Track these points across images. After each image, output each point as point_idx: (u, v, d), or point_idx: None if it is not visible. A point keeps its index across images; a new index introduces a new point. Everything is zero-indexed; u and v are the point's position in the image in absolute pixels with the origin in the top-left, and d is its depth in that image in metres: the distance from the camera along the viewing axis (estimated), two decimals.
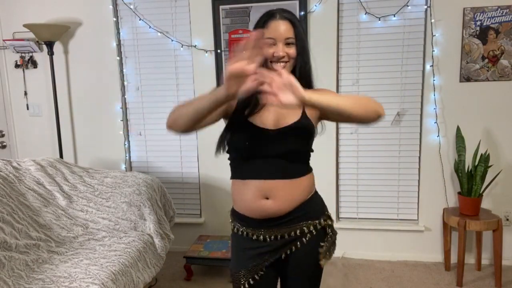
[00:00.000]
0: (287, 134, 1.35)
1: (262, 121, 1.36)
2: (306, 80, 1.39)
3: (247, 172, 1.39)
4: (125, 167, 3.38)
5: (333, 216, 3.16)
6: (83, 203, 2.46)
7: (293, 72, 1.35)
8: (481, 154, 2.73)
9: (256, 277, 1.43)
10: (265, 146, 1.35)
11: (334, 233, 1.49)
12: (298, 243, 1.41)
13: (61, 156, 3.30)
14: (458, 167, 2.79)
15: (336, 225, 3.13)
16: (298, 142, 1.38)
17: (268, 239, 1.40)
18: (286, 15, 1.35)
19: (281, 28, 1.32)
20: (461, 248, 2.69)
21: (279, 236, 1.40)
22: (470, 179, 2.74)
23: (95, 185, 2.57)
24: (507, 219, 2.96)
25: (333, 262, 3.09)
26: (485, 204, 2.94)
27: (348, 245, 3.18)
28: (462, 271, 2.71)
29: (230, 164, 1.47)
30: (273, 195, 1.36)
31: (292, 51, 1.34)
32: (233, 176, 1.45)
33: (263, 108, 1.36)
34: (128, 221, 2.41)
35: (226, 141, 1.41)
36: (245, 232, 1.44)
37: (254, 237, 1.41)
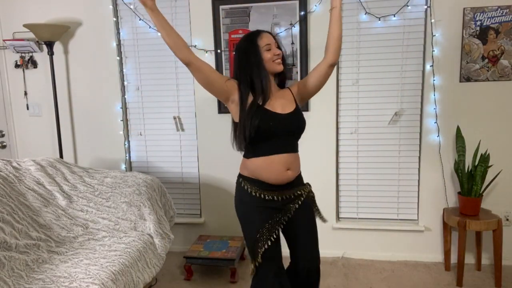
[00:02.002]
0: (293, 117, 1.83)
1: (274, 108, 1.81)
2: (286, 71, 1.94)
3: (271, 149, 1.80)
4: (125, 167, 3.39)
5: (333, 216, 3.18)
6: (83, 203, 2.46)
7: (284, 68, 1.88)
8: (481, 154, 2.73)
9: (275, 235, 1.83)
10: (281, 126, 1.79)
11: (314, 194, 2.00)
12: (298, 202, 1.88)
13: (61, 156, 3.30)
14: (458, 167, 2.79)
15: (336, 225, 3.15)
16: (300, 122, 1.86)
17: (277, 198, 1.84)
18: (266, 30, 1.91)
19: (270, 37, 1.84)
20: (461, 248, 2.69)
21: (285, 197, 1.85)
22: (470, 179, 2.74)
23: (95, 185, 2.57)
24: (507, 219, 2.96)
25: (333, 262, 3.09)
26: (485, 204, 2.94)
27: (348, 245, 3.18)
28: (462, 271, 2.71)
29: (250, 146, 1.84)
30: (292, 166, 1.84)
31: (280, 51, 1.85)
32: (255, 155, 1.83)
33: (271, 99, 1.82)
34: (128, 221, 2.41)
35: (250, 127, 1.75)
36: (258, 194, 1.83)
37: (268, 197, 1.83)
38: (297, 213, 1.89)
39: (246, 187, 1.86)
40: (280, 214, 1.85)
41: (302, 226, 1.91)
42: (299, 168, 1.92)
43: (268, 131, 1.77)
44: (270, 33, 1.87)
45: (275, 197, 1.83)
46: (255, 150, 1.83)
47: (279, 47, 1.86)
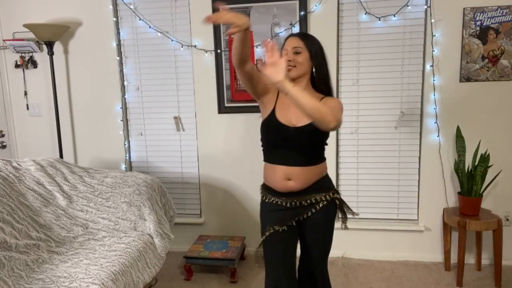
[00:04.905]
0: (304, 130, 1.72)
1: (287, 117, 1.75)
2: (324, 82, 1.82)
3: (274, 158, 1.80)
4: (125, 167, 3.39)
5: None
6: (83, 203, 2.46)
7: (312, 75, 1.82)
8: (481, 154, 2.73)
9: (278, 228, 1.81)
10: (286, 141, 1.75)
11: (342, 202, 1.90)
12: (312, 209, 1.81)
13: (61, 156, 3.30)
14: (458, 167, 2.79)
15: (336, 225, 3.15)
16: (308, 138, 1.75)
17: (288, 204, 1.81)
18: (298, 33, 1.83)
19: (291, 42, 1.78)
20: (461, 248, 2.69)
21: (294, 203, 1.81)
22: (470, 179, 2.74)
23: (95, 185, 2.57)
24: (507, 219, 2.96)
25: (333, 262, 3.09)
26: (485, 204, 2.94)
27: (348, 245, 3.18)
28: (462, 271, 2.71)
29: (264, 150, 1.87)
30: (294, 177, 1.76)
31: (299, 58, 1.76)
32: (265, 160, 1.86)
33: (284, 106, 1.78)
34: (128, 221, 2.40)
35: (261, 132, 1.81)
36: (271, 199, 1.85)
37: (278, 202, 1.83)
38: (312, 220, 1.83)
39: (262, 194, 1.91)
40: (288, 216, 1.82)
41: (314, 234, 1.88)
42: (310, 180, 1.78)
43: (271, 142, 1.79)
44: (300, 36, 1.79)
45: (283, 202, 1.82)
46: (266, 155, 1.86)
47: (311, 53, 1.78)
